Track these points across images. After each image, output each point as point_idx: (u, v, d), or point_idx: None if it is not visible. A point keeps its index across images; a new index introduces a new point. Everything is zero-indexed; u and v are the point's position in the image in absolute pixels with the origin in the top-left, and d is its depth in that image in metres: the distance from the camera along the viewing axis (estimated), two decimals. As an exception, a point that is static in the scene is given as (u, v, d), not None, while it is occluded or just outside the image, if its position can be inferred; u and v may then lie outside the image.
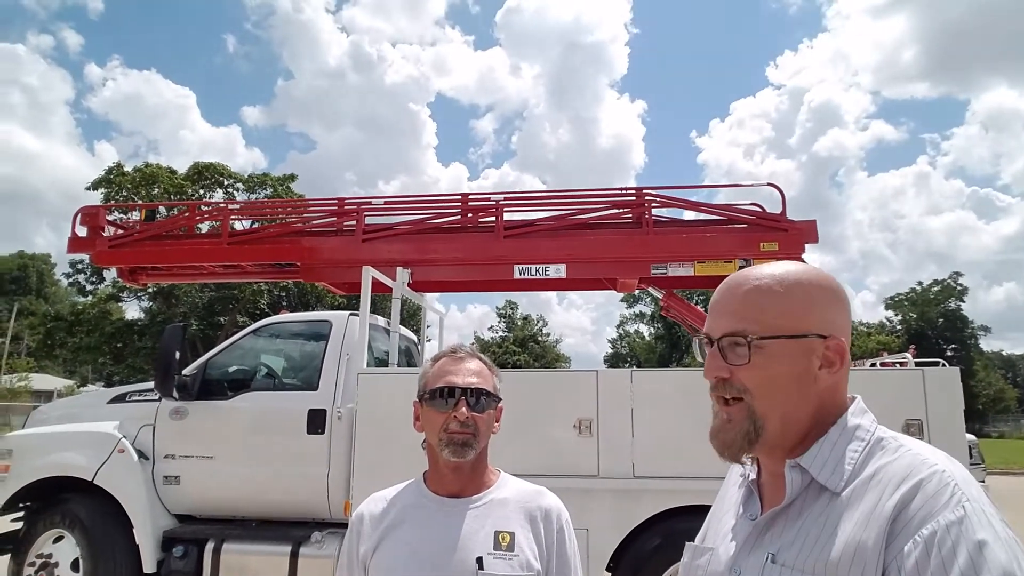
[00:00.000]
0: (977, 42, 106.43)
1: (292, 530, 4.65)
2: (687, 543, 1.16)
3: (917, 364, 5.95)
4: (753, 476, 1.07)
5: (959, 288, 49.17)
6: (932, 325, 48.13)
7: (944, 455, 0.91)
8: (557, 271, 5.63)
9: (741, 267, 5.37)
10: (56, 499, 4.89)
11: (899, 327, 49.09)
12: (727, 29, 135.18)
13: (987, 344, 52.66)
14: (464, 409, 1.43)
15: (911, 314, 49.72)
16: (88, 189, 27.23)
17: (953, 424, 3.92)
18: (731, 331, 0.99)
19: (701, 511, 4.21)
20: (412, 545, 1.40)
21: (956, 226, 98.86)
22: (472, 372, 1.48)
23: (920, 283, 51.62)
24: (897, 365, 6.79)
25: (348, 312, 5.22)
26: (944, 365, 4.84)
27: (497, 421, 1.52)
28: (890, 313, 51.67)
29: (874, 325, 49.47)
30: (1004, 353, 64.86)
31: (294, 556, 4.46)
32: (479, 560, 1.36)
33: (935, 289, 49.79)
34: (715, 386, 1.00)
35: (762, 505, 1.03)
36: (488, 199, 5.99)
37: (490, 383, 1.49)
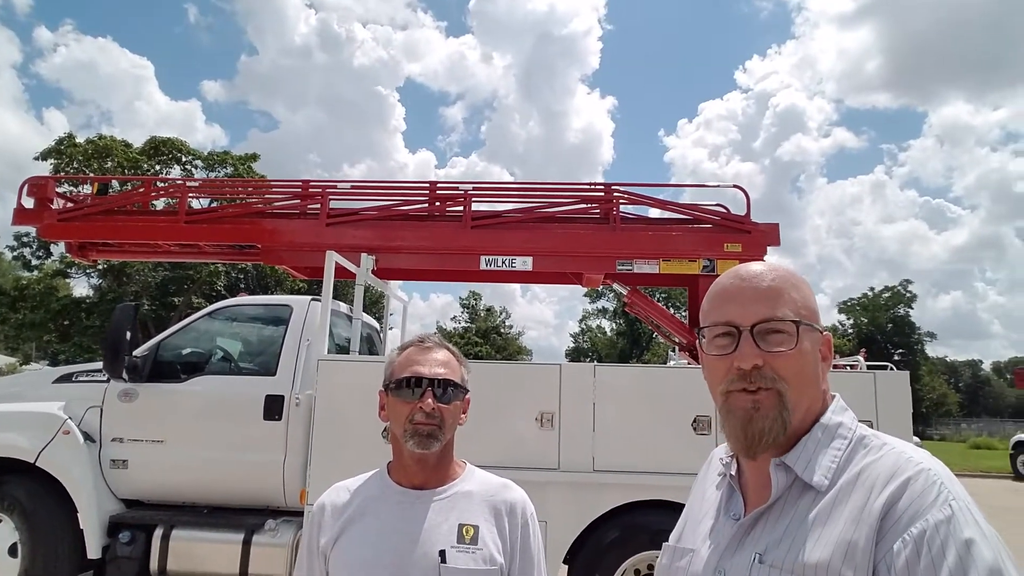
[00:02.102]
0: (939, 56, 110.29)
1: (245, 518, 4.56)
2: (664, 544, 1.14)
3: (868, 367, 6.14)
4: (733, 474, 1.06)
5: (908, 295, 50.92)
6: (882, 330, 49.74)
7: (926, 453, 0.92)
8: (523, 263, 5.62)
9: (705, 267, 5.45)
10: (-6, 481, 4.68)
11: (851, 331, 50.61)
12: (699, 31, 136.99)
13: (932, 350, 54.81)
14: (430, 400, 1.39)
15: (862, 318, 51.29)
16: (36, 159, 26.06)
17: (902, 426, 4.05)
18: (771, 317, 0.97)
19: (659, 505, 4.25)
20: (374, 537, 1.37)
21: (908, 235, 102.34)
22: (439, 362, 1.45)
23: (872, 289, 53.30)
24: (848, 368, 6.99)
25: (309, 297, 5.13)
26: (892, 369, 5.01)
27: (464, 413, 1.49)
28: (843, 317, 53.26)
29: (827, 328, 50.82)
30: (948, 359, 67.75)
31: (246, 544, 4.38)
32: (442, 553, 1.33)
33: (886, 295, 51.44)
34: (742, 376, 0.97)
35: (745, 505, 1.02)
36: (456, 188, 5.93)
37: (458, 374, 1.46)
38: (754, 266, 1.04)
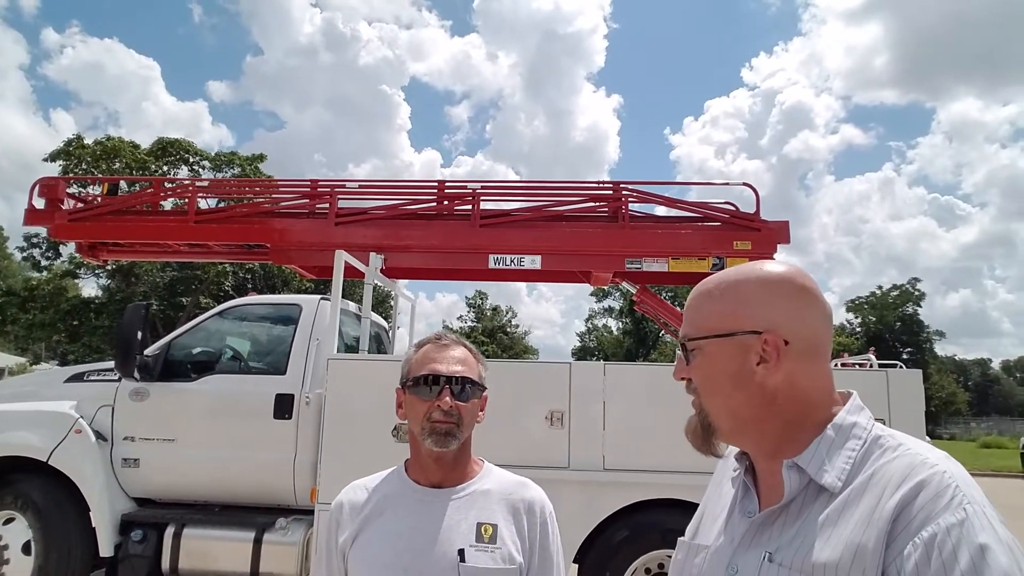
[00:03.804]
0: (947, 52, 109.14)
1: (256, 516, 4.57)
2: (679, 539, 1.14)
3: (879, 366, 6.10)
4: (748, 468, 1.06)
5: (917, 293, 50.63)
6: (890, 328, 49.48)
7: (943, 454, 0.90)
8: (532, 262, 5.61)
9: (715, 264, 5.43)
10: (7, 480, 4.71)
11: (859, 329, 50.36)
12: (705, 29, 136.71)
13: (941, 348, 54.52)
14: (448, 398, 1.39)
15: (870, 317, 51.03)
16: (45, 161, 26.23)
17: (914, 425, 4.03)
18: (682, 335, 1.06)
19: (670, 504, 4.22)
20: (392, 535, 1.37)
21: (917, 232, 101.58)
22: (457, 360, 1.44)
23: (880, 287, 53.02)
24: (857, 366, 6.95)
25: (319, 296, 5.14)
26: (902, 367, 4.98)
27: (481, 410, 1.48)
28: (851, 316, 53.00)
29: (835, 327, 50.49)
30: (957, 358, 67.46)
31: (257, 543, 4.40)
32: (461, 552, 1.33)
33: (894, 293, 51.16)
34: (686, 388, 1.07)
35: (760, 502, 1.02)
36: (465, 187, 5.94)
37: (475, 371, 1.46)
38: (712, 276, 1.09)
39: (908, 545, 0.80)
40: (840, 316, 52.69)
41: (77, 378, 5.03)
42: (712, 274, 1.08)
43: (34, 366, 30.04)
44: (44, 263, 27.54)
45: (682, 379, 1.05)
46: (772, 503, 0.97)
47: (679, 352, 1.05)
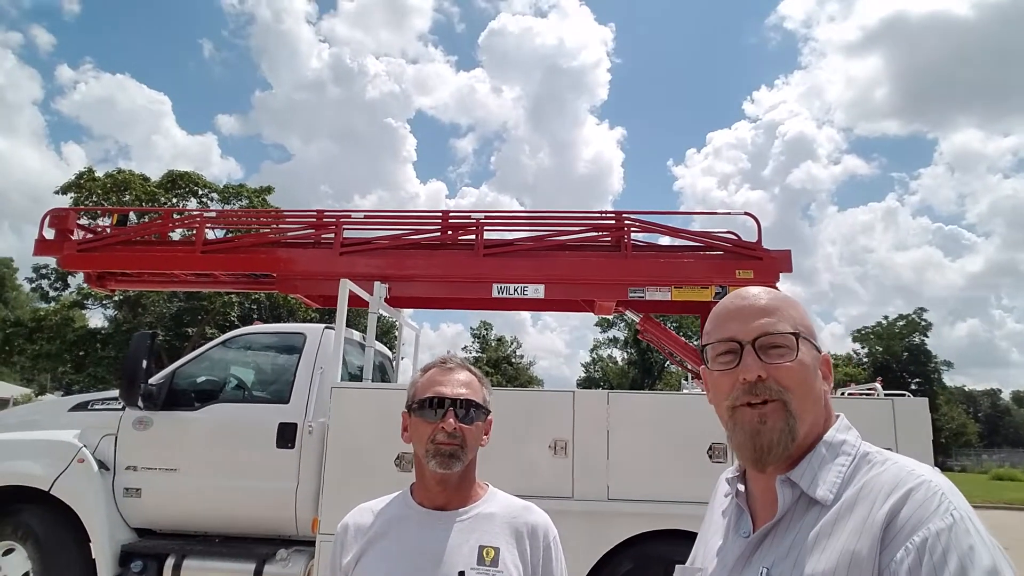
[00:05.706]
0: (948, 83, 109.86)
1: (257, 547, 4.53)
2: (677, 566, 1.16)
3: (886, 395, 6.06)
4: (741, 491, 1.08)
5: (923, 323, 50.32)
6: (897, 359, 49.06)
7: (928, 467, 0.94)
8: (535, 291, 5.65)
9: (718, 293, 5.44)
10: (9, 510, 4.68)
11: (865, 359, 49.97)
12: (706, 63, 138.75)
13: (950, 379, 53.95)
14: (452, 420, 1.41)
15: (877, 347, 50.65)
16: (57, 193, 26.57)
17: (922, 454, 3.99)
18: (772, 331, 1.01)
19: (674, 535, 4.15)
20: (395, 556, 1.37)
21: (923, 262, 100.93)
22: (462, 383, 1.46)
23: (886, 317, 52.78)
24: (863, 395, 6.89)
25: (323, 325, 5.16)
26: (909, 397, 4.94)
27: (486, 434, 1.50)
28: (857, 346, 52.64)
29: (841, 357, 50.13)
30: (966, 388, 66.57)
31: (258, 574, 4.34)
32: (461, 574, 1.33)
33: (900, 323, 50.87)
34: (748, 389, 1.00)
35: (753, 522, 1.04)
36: (468, 217, 6.01)
37: (480, 395, 1.48)
38: (752, 288, 1.09)
39: (900, 550, 0.84)
40: (846, 346, 52.37)
41: (81, 407, 5.04)
42: (716, 302, 1.11)
43: (39, 397, 29.99)
44: (52, 294, 27.71)
45: (757, 378, 0.98)
46: (766, 522, 1.00)
47: (746, 350, 1.00)
